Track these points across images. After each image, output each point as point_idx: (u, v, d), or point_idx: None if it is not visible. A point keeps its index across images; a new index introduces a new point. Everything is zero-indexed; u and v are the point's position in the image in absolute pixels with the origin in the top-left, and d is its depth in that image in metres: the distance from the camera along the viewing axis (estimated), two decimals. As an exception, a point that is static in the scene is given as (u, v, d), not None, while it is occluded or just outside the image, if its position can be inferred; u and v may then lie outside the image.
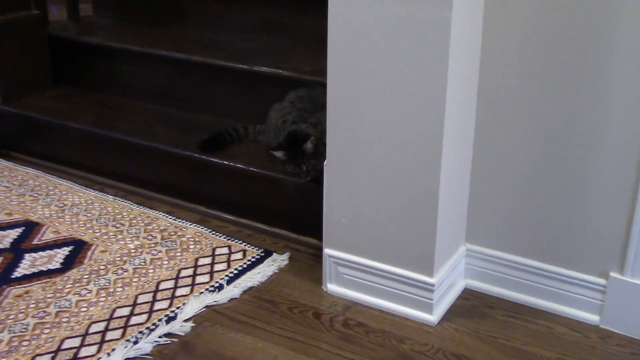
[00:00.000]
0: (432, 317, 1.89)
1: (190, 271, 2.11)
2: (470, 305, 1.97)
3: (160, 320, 1.88)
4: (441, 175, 1.76)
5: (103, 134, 2.70)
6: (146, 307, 1.94)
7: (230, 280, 2.06)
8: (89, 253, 2.20)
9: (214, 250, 2.22)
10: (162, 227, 2.36)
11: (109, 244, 2.26)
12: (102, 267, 2.13)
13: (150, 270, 2.11)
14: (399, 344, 1.81)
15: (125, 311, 1.92)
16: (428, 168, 1.77)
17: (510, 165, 1.89)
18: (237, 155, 2.44)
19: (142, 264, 2.15)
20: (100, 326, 1.86)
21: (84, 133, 2.76)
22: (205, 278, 2.07)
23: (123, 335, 1.83)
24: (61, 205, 2.53)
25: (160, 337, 1.83)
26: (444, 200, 1.81)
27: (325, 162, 1.93)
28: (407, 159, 1.79)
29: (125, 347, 1.78)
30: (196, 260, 2.17)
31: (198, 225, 2.37)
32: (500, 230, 1.96)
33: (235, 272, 2.10)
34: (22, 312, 1.92)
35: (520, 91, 1.82)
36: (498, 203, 1.94)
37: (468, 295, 2.01)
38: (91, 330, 1.84)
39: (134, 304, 1.95)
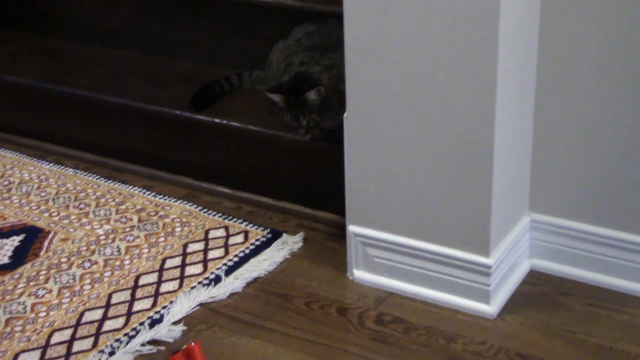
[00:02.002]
0: (490, 308, 1.91)
1: (177, 261, 2.13)
2: (539, 291, 1.98)
3: (141, 324, 1.90)
4: (496, 124, 1.76)
5: (55, 90, 2.72)
6: (123, 309, 1.96)
7: (229, 271, 2.08)
8: (46, 243, 2.23)
9: (206, 233, 2.24)
10: (138, 207, 2.38)
11: (71, 230, 2.28)
12: (63, 259, 2.15)
13: (127, 262, 2.13)
14: (449, 344, 1.83)
15: (97, 314, 1.94)
16: (479, 116, 1.76)
17: (585, 110, 1.88)
18: (230, 110, 2.45)
19: (116, 254, 2.17)
20: (65, 335, 1.88)
21: (28, 89, 2.77)
22: (198, 269, 2.09)
23: (95, 345, 1.85)
24: (6, 183, 2.55)
25: (142, 345, 1.85)
26: (500, 158, 1.81)
27: (344, 115, 1.93)
28: (452, 107, 1.79)
29: (99, 360, 1.81)
30: (184, 246, 2.18)
31: (185, 202, 2.39)
32: (575, 195, 1.96)
33: (236, 259, 2.12)
34: (-36, 320, 1.95)
35: (594, 24, 1.81)
36: (570, 160, 1.94)
37: (535, 279, 2.02)
38: (53, 340, 1.87)
39: (108, 305, 1.97)
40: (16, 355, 1.82)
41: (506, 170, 1.86)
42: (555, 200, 1.99)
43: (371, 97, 1.87)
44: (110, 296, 2.00)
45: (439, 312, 1.93)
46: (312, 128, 2.19)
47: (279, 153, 2.32)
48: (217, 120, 2.41)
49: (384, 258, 2.00)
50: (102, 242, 2.21)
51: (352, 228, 2.01)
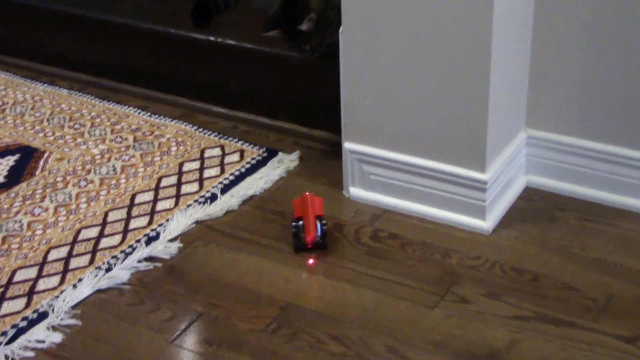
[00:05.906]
0: (485, 224, 1.94)
1: (173, 179, 2.16)
2: (535, 207, 2.02)
3: (138, 241, 1.94)
4: (493, 39, 1.77)
5: (46, 8, 2.70)
6: (119, 226, 2.00)
7: (225, 189, 2.11)
8: (41, 162, 2.26)
9: (202, 152, 2.27)
10: (134, 126, 2.40)
11: (66, 149, 2.31)
12: (59, 179, 2.18)
13: (122, 181, 2.17)
14: (444, 259, 1.87)
15: (93, 232, 1.98)
16: (476, 30, 1.77)
17: (584, 24, 1.89)
18: (226, 28, 2.45)
19: (111, 173, 2.20)
20: (62, 252, 1.92)
21: (20, 6, 2.76)
22: (194, 187, 2.13)
23: (92, 261, 1.89)
24: (0, 104, 2.58)
25: (139, 261, 1.89)
26: (497, 73, 1.82)
27: (340, 30, 1.95)
28: (449, 20, 1.79)
29: (96, 276, 1.84)
30: (180, 165, 2.22)
31: (180, 122, 2.41)
32: (571, 111, 1.98)
33: (232, 178, 2.16)
34: (-39, 239, 1.98)
35: None
36: (567, 76, 1.95)
37: (531, 195, 2.05)
38: (50, 257, 1.91)
39: (104, 223, 2.01)
40: (14, 272, 1.86)
41: (503, 85, 1.88)
42: (552, 116, 2.01)
43: (367, 10, 1.87)
44: (106, 214, 2.04)
45: (435, 228, 1.96)
46: (317, 48, 2.17)
47: (276, 72, 2.33)
48: (212, 38, 2.41)
49: (380, 175, 2.02)
50: (98, 161, 2.25)
51: (347, 145, 2.04)
